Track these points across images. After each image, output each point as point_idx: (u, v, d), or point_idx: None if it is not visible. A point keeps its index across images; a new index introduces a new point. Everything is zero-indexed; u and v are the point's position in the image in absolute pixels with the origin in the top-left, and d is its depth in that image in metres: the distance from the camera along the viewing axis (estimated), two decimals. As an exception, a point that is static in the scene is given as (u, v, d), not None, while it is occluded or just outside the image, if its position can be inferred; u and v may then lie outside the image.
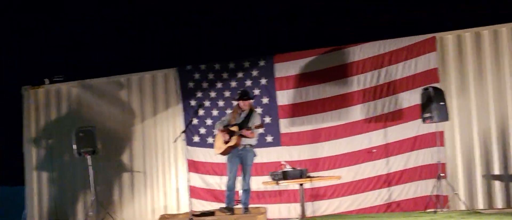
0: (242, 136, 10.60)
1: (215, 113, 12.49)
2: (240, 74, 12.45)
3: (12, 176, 14.53)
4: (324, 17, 13.01)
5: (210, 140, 12.40)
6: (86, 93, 13.40)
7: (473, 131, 11.26)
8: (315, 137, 11.96)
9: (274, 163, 11.94)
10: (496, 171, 11.13)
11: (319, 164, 11.88)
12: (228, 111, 11.75)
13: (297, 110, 12.09)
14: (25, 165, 13.60)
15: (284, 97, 12.17)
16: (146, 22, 14.03)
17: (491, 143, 11.16)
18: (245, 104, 10.78)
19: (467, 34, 11.39)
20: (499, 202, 11.07)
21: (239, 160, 10.72)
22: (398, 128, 11.52)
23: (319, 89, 12.00)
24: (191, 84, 12.70)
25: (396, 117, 11.55)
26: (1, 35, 14.54)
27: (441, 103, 10.73)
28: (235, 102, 11.05)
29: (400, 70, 11.57)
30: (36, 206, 13.53)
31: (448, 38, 11.47)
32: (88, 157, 12.27)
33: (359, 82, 11.78)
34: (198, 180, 12.47)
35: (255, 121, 10.68)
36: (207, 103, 12.53)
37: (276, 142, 12.16)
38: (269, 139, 12.17)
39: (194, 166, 12.45)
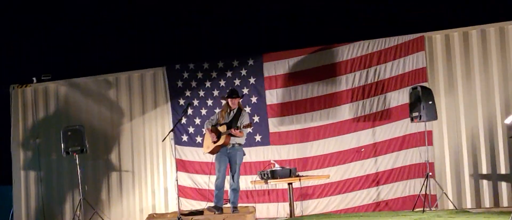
0: (231, 135, 10.59)
1: (203, 112, 12.48)
2: (229, 73, 12.44)
3: (-1, 175, 14.46)
4: (313, 17, 13.02)
5: (198, 139, 12.39)
6: (74, 92, 13.35)
7: (461, 130, 11.29)
8: (304, 136, 11.97)
9: (263, 162, 11.94)
10: (484, 170, 11.17)
11: (307, 163, 11.89)
12: (217, 110, 11.74)
13: (286, 109, 12.09)
14: (12, 164, 13.53)
15: (273, 96, 12.18)
16: (134, 22, 14.00)
17: (479, 142, 11.19)
18: (234, 103, 10.78)
19: (455, 34, 11.43)
20: (487, 201, 11.11)
21: (228, 159, 10.71)
22: (387, 127, 11.55)
23: (308, 88, 12.00)
24: (179, 83, 12.67)
25: (384, 116, 11.57)
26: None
27: (430, 102, 10.75)
28: (224, 101, 11.04)
29: (389, 70, 11.59)
30: (23, 206, 13.46)
31: (437, 37, 11.50)
32: (76, 156, 12.22)
33: (347, 82, 11.79)
34: (187, 179, 12.45)
35: (244, 120, 10.68)
36: (195, 102, 12.52)
37: (265, 141, 12.16)
38: (258, 138, 12.16)
39: (182, 165, 12.43)
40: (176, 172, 11.36)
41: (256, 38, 12.96)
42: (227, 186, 10.86)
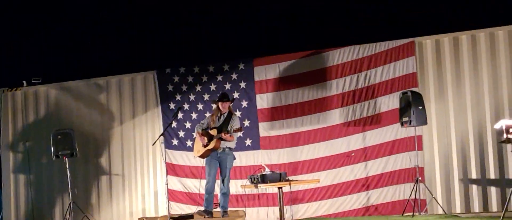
0: (221, 139, 10.59)
1: (194, 116, 12.47)
2: (219, 78, 12.44)
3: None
4: (303, 22, 13.02)
5: (189, 143, 12.38)
6: (65, 95, 13.32)
7: (451, 135, 11.33)
8: (294, 140, 11.98)
9: (253, 166, 11.94)
10: (474, 175, 11.20)
11: (298, 167, 11.90)
12: (207, 114, 11.75)
13: (277, 113, 12.10)
14: (1, 167, 13.48)
15: (264, 100, 12.18)
16: (125, 25, 13.96)
17: (468, 147, 11.23)
18: (224, 107, 10.79)
19: (446, 39, 11.47)
20: (476, 206, 11.14)
21: (218, 163, 10.72)
22: (377, 132, 11.57)
23: (298, 93, 12.02)
24: (170, 87, 12.67)
25: (374, 120, 11.60)
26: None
27: (420, 107, 10.78)
28: (214, 105, 11.05)
29: (379, 75, 11.62)
30: (13, 209, 13.41)
31: (427, 42, 11.54)
32: (66, 160, 12.20)
33: (338, 86, 11.81)
34: (177, 183, 12.44)
35: (234, 124, 10.69)
36: (186, 106, 12.51)
37: (255, 145, 12.16)
38: (248, 142, 12.16)
39: (172, 169, 12.42)
40: (166, 176, 11.35)
41: (248, 41, 12.95)
42: (217, 190, 10.86)
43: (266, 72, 12.18)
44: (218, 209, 10.80)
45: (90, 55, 14.06)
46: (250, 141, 12.16)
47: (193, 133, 12.00)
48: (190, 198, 12.34)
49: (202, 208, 10.80)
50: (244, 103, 12.26)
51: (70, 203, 12.23)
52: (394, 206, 11.36)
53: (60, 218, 13.05)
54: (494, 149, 11.08)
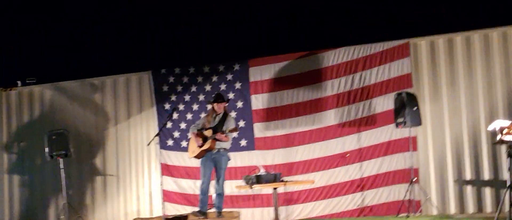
0: (216, 139, 10.59)
1: (189, 116, 12.47)
2: (214, 78, 12.44)
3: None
4: (299, 23, 13.03)
5: (184, 143, 12.37)
6: (59, 95, 13.29)
7: (446, 136, 11.35)
8: (289, 141, 11.99)
9: (248, 167, 11.93)
10: (468, 176, 11.23)
11: (293, 168, 11.90)
12: (203, 115, 11.74)
13: (272, 114, 12.10)
14: (-4, 168, 13.47)
15: (259, 101, 12.19)
16: (121, 26, 13.94)
17: (463, 148, 11.26)
18: (219, 107, 10.78)
19: (440, 40, 11.49)
20: (470, 207, 11.17)
21: (213, 163, 10.71)
22: (372, 133, 11.58)
23: (293, 93, 12.02)
24: (165, 88, 12.66)
25: (369, 121, 11.61)
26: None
27: (414, 108, 10.81)
28: (209, 106, 11.04)
29: (374, 76, 11.63)
30: (7, 210, 13.37)
31: (422, 44, 11.56)
32: (61, 160, 12.18)
33: (333, 87, 11.82)
34: (172, 184, 12.43)
35: (230, 124, 10.68)
36: (181, 107, 12.51)
37: (250, 146, 12.16)
38: (243, 143, 12.16)
39: (167, 170, 12.41)
40: (161, 177, 11.34)
41: (243, 42, 12.94)
42: (212, 191, 10.85)
43: (261, 73, 12.18)
44: (213, 209, 10.79)
45: (85, 56, 14.03)
46: (245, 141, 12.17)
47: (188, 134, 11.98)
48: (185, 198, 12.33)
49: (197, 209, 10.78)
50: (239, 104, 12.26)
51: (64, 203, 12.20)
52: (389, 207, 11.37)
53: (54, 219, 13.02)
54: (488, 150, 11.11)
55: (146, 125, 12.82)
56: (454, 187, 11.28)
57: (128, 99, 12.97)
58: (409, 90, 11.19)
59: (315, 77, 11.89)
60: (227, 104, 11.03)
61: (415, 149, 11.22)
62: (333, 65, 11.83)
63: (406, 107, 10.74)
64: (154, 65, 12.89)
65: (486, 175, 11.13)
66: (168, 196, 12.28)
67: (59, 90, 13.30)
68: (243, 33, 13.03)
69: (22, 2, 14.35)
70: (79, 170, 13.04)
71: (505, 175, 10.88)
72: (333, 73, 11.82)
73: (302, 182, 11.56)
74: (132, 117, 12.95)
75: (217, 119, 10.79)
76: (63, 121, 13.09)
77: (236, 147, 11.87)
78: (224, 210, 10.89)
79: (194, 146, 10.80)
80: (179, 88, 12.58)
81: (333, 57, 11.84)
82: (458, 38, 11.39)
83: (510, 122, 8.74)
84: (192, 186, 12.17)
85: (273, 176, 10.91)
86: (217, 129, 10.64)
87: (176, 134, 12.51)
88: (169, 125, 12.37)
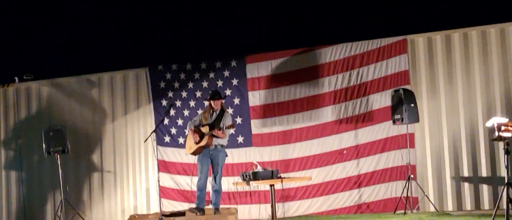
0: (213, 136, 10.57)
1: (186, 113, 12.45)
2: (211, 75, 12.42)
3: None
4: (296, 19, 13.00)
5: (181, 140, 12.36)
6: (57, 92, 13.28)
7: (443, 133, 11.33)
8: (286, 137, 11.98)
9: (245, 163, 11.93)
10: (466, 173, 11.22)
11: (290, 164, 11.89)
12: (200, 111, 11.72)
13: (269, 111, 12.09)
14: (-7, 164, 13.46)
15: (256, 98, 12.17)
16: (118, 23, 13.92)
17: (460, 145, 11.24)
18: (216, 104, 10.76)
19: (438, 37, 11.47)
20: (468, 204, 11.15)
21: (210, 160, 10.69)
22: (369, 129, 11.57)
23: (290, 90, 12.01)
24: (162, 84, 12.64)
25: (367, 118, 11.59)
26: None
27: (412, 105, 10.79)
28: (206, 102, 11.03)
29: (371, 72, 11.62)
30: (4, 206, 13.38)
31: (419, 40, 11.54)
32: (58, 157, 12.16)
33: (330, 84, 11.81)
34: (169, 180, 12.42)
35: (227, 121, 10.67)
36: (178, 103, 12.50)
37: (247, 143, 12.15)
38: (240, 139, 12.15)
39: (164, 166, 12.40)
40: (158, 173, 11.32)
41: (240, 38, 12.92)
42: (209, 187, 10.83)
43: (258, 69, 12.17)
44: (210, 206, 10.77)
45: (82, 52, 14.01)
46: (242, 138, 12.15)
47: (185, 130, 11.97)
48: (182, 195, 12.33)
49: (194, 205, 10.78)
50: (236, 101, 12.24)
51: (61, 200, 12.19)
52: (386, 204, 11.36)
53: (52, 215, 13.01)
54: (486, 147, 11.10)
55: (143, 121, 12.80)
56: (451, 184, 11.27)
57: (125, 96, 12.96)
58: (407, 87, 11.18)
59: (312, 74, 11.87)
60: (224, 100, 11.02)
61: (412, 146, 11.20)
62: (330, 62, 11.81)
63: (404, 104, 10.72)
64: (151, 61, 12.87)
65: (484, 171, 11.11)
66: (165, 193, 12.28)
67: (56, 87, 13.29)
68: (240, 30, 13.01)
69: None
70: (77, 166, 13.03)
71: (503, 172, 10.88)
72: (330, 70, 11.80)
73: (299, 178, 11.55)
74: (129, 113, 12.93)
75: (214, 115, 10.78)
76: (60, 117, 13.08)
77: (233, 144, 11.86)
78: (221, 206, 10.88)
79: (191, 142, 10.79)
80: (176, 84, 12.57)
81: (330, 53, 11.82)
82: (456, 34, 11.37)
83: (507, 119, 8.72)
84: (189, 183, 12.15)
85: (270, 173, 10.91)
86: (214, 125, 10.62)
87: (173, 130, 12.49)
88: (166, 121, 12.36)
